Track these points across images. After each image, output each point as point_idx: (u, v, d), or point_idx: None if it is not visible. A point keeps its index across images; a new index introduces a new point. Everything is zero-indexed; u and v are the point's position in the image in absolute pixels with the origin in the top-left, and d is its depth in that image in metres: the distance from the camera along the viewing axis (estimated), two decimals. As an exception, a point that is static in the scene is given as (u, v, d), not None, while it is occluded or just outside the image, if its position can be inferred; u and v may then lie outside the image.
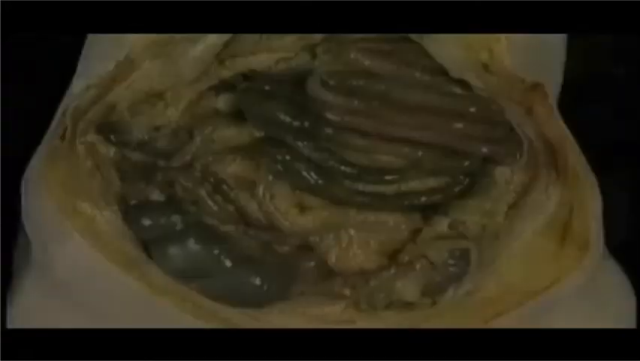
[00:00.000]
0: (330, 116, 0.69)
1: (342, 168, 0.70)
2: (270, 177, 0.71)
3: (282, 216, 0.72)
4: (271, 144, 0.71)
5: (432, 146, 0.70)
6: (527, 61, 0.66)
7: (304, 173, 0.70)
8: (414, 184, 0.72)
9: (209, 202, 0.72)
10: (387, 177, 0.71)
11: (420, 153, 0.70)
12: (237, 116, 0.72)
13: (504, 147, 0.71)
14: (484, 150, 0.70)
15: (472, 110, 0.69)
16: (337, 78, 0.68)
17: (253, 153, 0.71)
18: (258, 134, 0.72)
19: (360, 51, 0.68)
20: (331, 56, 0.69)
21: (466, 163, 0.71)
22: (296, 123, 0.69)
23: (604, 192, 0.72)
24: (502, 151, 0.71)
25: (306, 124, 0.69)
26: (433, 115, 0.69)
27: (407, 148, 0.70)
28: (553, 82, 0.70)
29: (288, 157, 0.70)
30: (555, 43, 0.70)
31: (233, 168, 0.72)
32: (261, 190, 0.72)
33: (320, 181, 0.71)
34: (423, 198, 0.72)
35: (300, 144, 0.70)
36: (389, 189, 0.72)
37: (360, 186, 0.71)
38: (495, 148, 0.70)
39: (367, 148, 0.70)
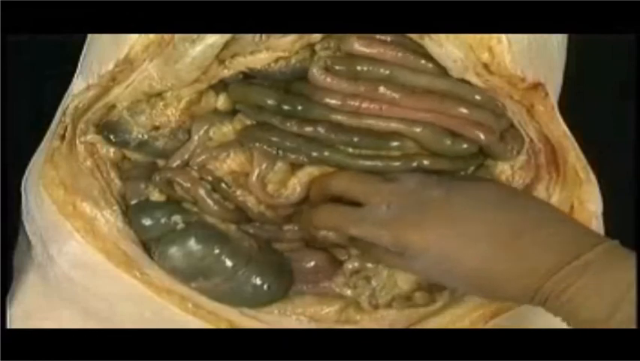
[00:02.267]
0: (330, 100, 0.68)
1: (343, 137, 0.69)
2: (264, 165, 0.71)
3: (277, 193, 0.72)
4: (262, 129, 0.70)
5: (431, 125, 0.69)
6: (528, 61, 0.66)
7: (303, 148, 0.70)
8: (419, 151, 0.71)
9: (209, 201, 0.72)
10: (393, 143, 0.70)
11: (419, 130, 0.69)
12: (234, 113, 0.72)
13: (504, 139, 0.70)
14: (482, 136, 0.69)
15: (477, 98, 0.68)
16: (342, 63, 0.68)
17: (246, 141, 0.71)
18: (249, 122, 0.71)
19: (361, 42, 0.67)
20: (331, 52, 0.69)
21: (465, 146, 0.70)
22: (286, 107, 0.69)
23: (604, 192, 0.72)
24: (500, 143, 0.70)
25: (299, 108, 0.69)
26: (438, 99, 0.68)
27: (405, 126, 0.69)
28: (554, 82, 0.70)
29: (282, 137, 0.69)
30: (556, 44, 0.70)
31: (228, 164, 0.72)
32: (254, 177, 0.71)
33: (326, 153, 0.70)
34: (428, 161, 0.70)
35: (288, 124, 0.69)
36: (394, 153, 0.71)
37: (364, 151, 0.70)
38: (493, 139, 0.70)
39: (362, 125, 0.69)
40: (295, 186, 0.72)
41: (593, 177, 0.72)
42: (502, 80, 0.66)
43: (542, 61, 0.68)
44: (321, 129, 0.69)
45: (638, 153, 0.86)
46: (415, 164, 0.70)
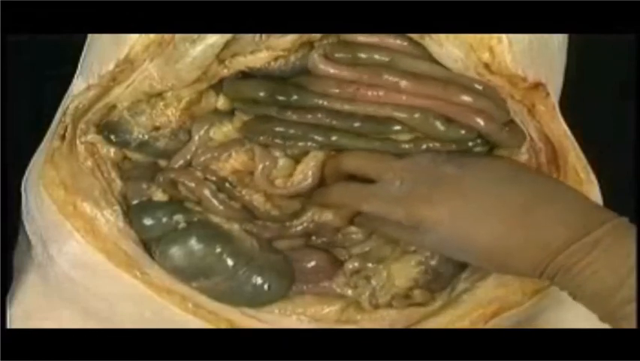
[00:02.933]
0: (328, 88, 0.68)
1: (344, 123, 0.69)
2: (267, 162, 0.71)
3: (289, 183, 0.72)
4: (262, 121, 0.70)
5: (426, 111, 0.69)
6: (529, 60, 0.66)
7: (310, 134, 0.70)
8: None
9: (214, 201, 0.72)
10: (396, 127, 0.70)
11: (413, 116, 0.69)
12: (234, 113, 0.72)
13: (504, 129, 0.70)
14: (482, 123, 0.69)
15: (478, 87, 0.68)
16: (343, 50, 0.68)
17: (250, 136, 0.71)
18: (246, 117, 0.71)
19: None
20: (330, 46, 0.69)
21: (462, 132, 0.70)
22: (281, 97, 0.68)
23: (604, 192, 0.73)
24: (502, 132, 0.70)
25: (294, 97, 0.68)
26: (442, 85, 0.68)
27: (399, 112, 0.69)
28: (554, 81, 0.70)
29: (285, 127, 0.69)
30: (556, 43, 0.70)
31: (231, 164, 0.72)
32: (259, 173, 0.71)
33: (334, 137, 0.69)
34: (438, 145, 0.70)
35: (287, 114, 0.69)
36: (402, 137, 0.70)
37: (371, 135, 0.70)
38: (493, 126, 0.69)
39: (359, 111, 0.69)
40: (306, 171, 0.72)
41: (593, 177, 0.72)
42: (503, 79, 0.66)
43: (543, 60, 0.68)
44: (320, 116, 0.69)
45: (638, 153, 0.86)
46: (424, 147, 0.70)
